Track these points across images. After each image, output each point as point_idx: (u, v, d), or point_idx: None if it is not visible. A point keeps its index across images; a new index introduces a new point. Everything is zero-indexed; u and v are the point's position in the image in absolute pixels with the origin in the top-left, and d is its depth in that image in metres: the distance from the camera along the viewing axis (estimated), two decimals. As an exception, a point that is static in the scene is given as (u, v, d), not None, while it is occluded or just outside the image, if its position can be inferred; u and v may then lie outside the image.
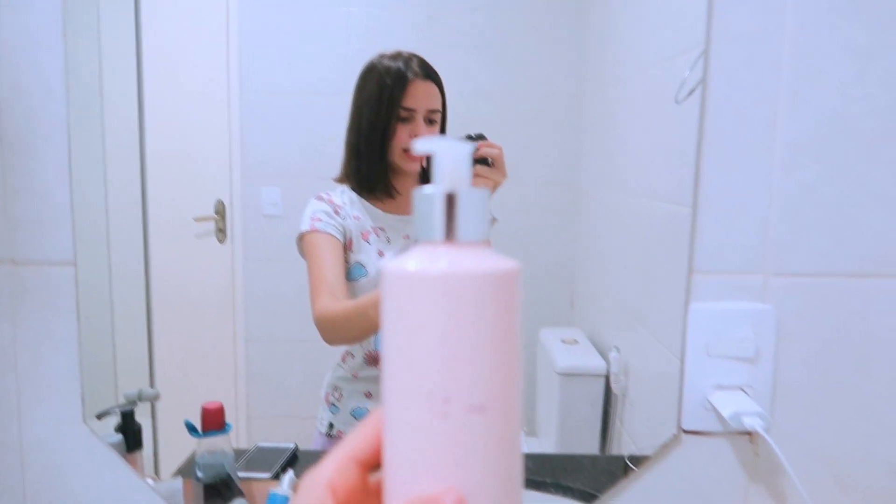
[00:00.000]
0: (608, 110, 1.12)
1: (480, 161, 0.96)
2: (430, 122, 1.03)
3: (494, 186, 0.97)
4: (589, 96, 1.10)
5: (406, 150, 1.03)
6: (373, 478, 0.38)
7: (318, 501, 0.37)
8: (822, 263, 0.87)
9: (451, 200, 0.34)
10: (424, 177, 1.04)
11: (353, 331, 1.03)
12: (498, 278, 0.33)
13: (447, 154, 0.35)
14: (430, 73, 1.03)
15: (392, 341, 0.34)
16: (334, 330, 1.02)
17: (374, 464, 0.39)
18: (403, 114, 1.02)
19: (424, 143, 0.35)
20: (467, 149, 0.35)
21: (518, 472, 0.35)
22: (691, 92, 0.86)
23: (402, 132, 1.02)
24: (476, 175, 0.97)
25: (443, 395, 0.32)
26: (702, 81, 0.84)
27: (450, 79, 1.03)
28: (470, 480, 0.33)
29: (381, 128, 1.02)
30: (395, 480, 0.34)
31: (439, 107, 1.04)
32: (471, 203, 0.35)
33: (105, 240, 1.02)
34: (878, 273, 0.86)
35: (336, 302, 1.01)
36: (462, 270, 0.33)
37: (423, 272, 0.33)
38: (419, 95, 1.02)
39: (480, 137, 0.97)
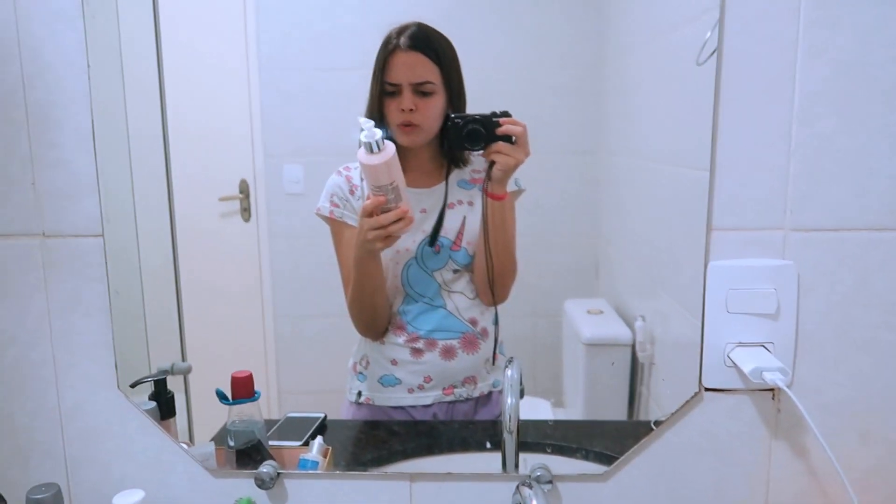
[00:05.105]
0: (629, 76, 1.11)
1: (504, 138, 0.96)
2: (423, 94, 0.99)
3: (516, 164, 0.97)
4: (609, 62, 1.09)
5: (398, 125, 1.00)
6: None
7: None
8: (842, 217, 0.86)
9: None
10: (451, 155, 1.04)
11: (361, 301, 1.06)
12: None
13: None
14: (417, 44, 0.98)
15: None
16: (354, 318, 1.07)
17: None
18: (389, 88, 0.99)
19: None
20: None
21: None
22: (713, 52, 0.85)
23: (390, 107, 0.99)
24: (499, 152, 0.97)
25: None
26: (718, 32, 0.83)
27: (470, 51, 1.00)
28: None
29: (373, 104, 1.00)
30: None
31: (432, 78, 0.99)
32: None
33: (132, 221, 1.04)
34: (898, 225, 0.85)
35: None
36: None
37: None
38: (400, 68, 0.98)
39: (505, 114, 0.96)
